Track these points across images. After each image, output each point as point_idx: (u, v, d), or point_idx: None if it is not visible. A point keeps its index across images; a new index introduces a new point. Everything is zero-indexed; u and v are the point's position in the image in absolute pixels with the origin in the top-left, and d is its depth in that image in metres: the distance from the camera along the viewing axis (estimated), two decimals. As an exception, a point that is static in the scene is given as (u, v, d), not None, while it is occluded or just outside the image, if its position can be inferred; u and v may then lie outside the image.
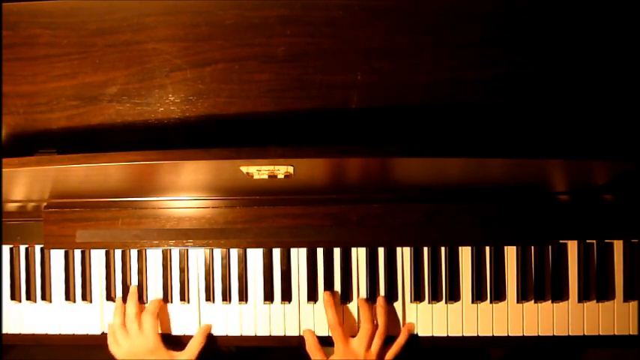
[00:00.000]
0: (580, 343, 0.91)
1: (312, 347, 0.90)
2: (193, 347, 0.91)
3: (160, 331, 0.92)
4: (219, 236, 0.91)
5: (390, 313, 0.92)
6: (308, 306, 0.93)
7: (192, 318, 0.95)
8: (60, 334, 0.97)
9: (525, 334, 0.91)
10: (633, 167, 0.69)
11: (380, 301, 0.91)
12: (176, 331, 0.95)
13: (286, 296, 0.93)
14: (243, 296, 0.94)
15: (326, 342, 0.92)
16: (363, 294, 0.93)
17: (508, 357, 1.17)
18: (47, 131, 0.79)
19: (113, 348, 0.92)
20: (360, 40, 0.74)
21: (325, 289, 0.93)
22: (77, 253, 0.97)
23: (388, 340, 0.90)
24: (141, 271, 0.95)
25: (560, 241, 0.92)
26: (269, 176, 0.72)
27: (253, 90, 0.76)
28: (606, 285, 0.92)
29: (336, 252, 0.93)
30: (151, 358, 0.89)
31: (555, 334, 0.91)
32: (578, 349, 1.12)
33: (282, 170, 0.70)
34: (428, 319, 0.92)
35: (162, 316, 0.95)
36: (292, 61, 0.75)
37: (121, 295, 0.95)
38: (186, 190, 0.88)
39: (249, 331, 0.94)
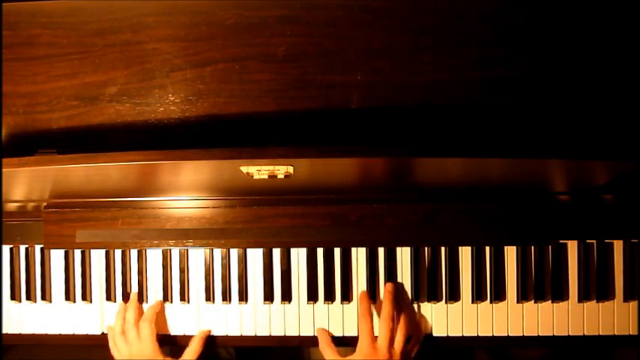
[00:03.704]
0: (580, 343, 0.91)
1: (325, 346, 0.89)
2: (192, 352, 0.90)
3: (158, 334, 0.92)
4: (219, 236, 0.91)
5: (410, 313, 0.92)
6: (308, 306, 0.93)
7: (192, 318, 0.95)
8: (60, 334, 0.97)
9: (525, 334, 0.91)
10: (633, 167, 0.68)
11: (405, 299, 0.90)
12: (176, 331, 0.95)
13: (286, 296, 0.93)
14: (243, 296, 0.94)
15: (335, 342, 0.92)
16: (363, 294, 0.93)
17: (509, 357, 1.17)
18: (47, 131, 0.79)
19: (114, 353, 0.92)
20: (360, 40, 0.74)
21: (325, 289, 0.93)
22: (77, 253, 0.97)
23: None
24: (141, 271, 0.95)
25: (560, 241, 0.92)
26: (269, 176, 0.72)
27: (253, 90, 0.76)
28: (606, 285, 0.92)
29: (336, 252, 0.93)
30: None
31: (555, 334, 0.91)
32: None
33: (282, 170, 0.70)
34: (428, 319, 0.92)
35: (163, 317, 0.95)
36: (292, 61, 0.75)
37: (121, 297, 0.95)
38: (186, 190, 0.88)
39: (249, 331, 0.94)
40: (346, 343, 0.92)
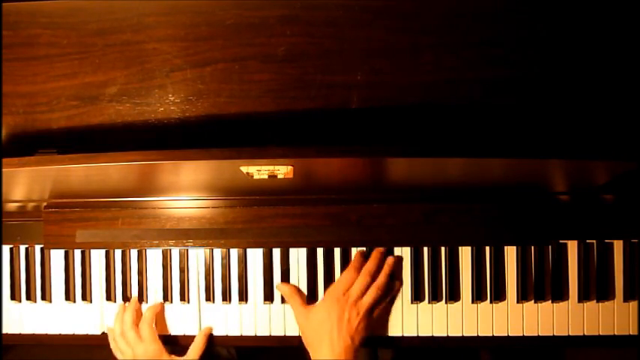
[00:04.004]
0: (580, 343, 0.91)
1: (290, 296, 0.90)
2: (195, 351, 0.90)
3: (159, 333, 0.92)
4: (219, 236, 0.91)
5: (389, 312, 0.91)
6: (308, 306, 0.93)
7: (192, 318, 0.95)
8: (60, 334, 0.97)
9: (525, 334, 0.91)
10: (633, 167, 0.68)
11: (390, 259, 0.90)
12: (176, 331, 0.95)
13: (286, 296, 0.93)
14: (243, 296, 0.94)
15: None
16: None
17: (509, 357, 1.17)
18: (47, 131, 0.79)
19: (117, 354, 0.92)
20: (360, 40, 0.74)
21: (325, 289, 0.92)
22: (77, 253, 0.97)
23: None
24: (141, 271, 0.95)
25: (560, 241, 0.92)
26: (269, 176, 0.72)
27: (253, 90, 0.76)
28: (606, 285, 0.92)
29: (336, 252, 0.93)
30: None
31: (555, 334, 0.91)
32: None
33: (282, 170, 0.70)
34: (428, 319, 0.92)
35: (162, 317, 0.95)
36: (292, 61, 0.75)
37: (121, 297, 0.95)
38: (186, 190, 0.88)
39: (249, 331, 0.94)
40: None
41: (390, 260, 0.90)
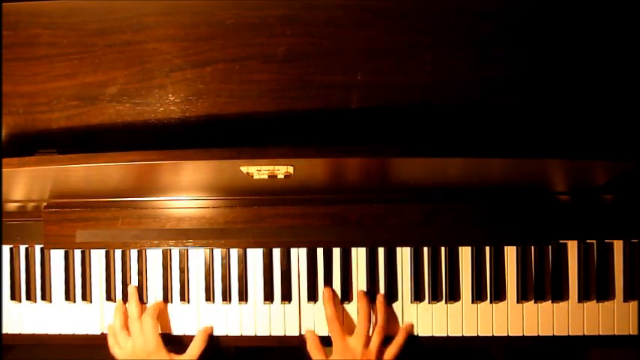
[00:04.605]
0: (580, 343, 0.91)
1: (312, 347, 0.90)
2: (194, 349, 0.91)
3: (160, 332, 0.92)
4: (219, 236, 0.91)
5: (390, 314, 0.92)
6: (308, 306, 0.93)
7: (192, 318, 0.95)
8: (60, 334, 0.97)
9: (525, 334, 0.91)
10: (633, 167, 0.68)
11: (379, 298, 0.91)
12: (176, 331, 0.95)
13: (286, 296, 0.93)
14: (243, 296, 0.94)
15: (327, 342, 0.92)
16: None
17: (508, 357, 1.17)
18: (47, 131, 0.79)
19: (115, 350, 0.92)
20: (360, 40, 0.74)
21: (325, 289, 0.92)
22: (77, 253, 0.97)
23: (387, 341, 0.90)
24: (141, 271, 0.95)
25: (560, 241, 0.92)
26: (269, 176, 0.72)
27: (253, 90, 0.76)
28: (606, 285, 0.92)
29: (336, 252, 0.93)
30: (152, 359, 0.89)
31: (555, 334, 0.91)
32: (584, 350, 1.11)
33: (282, 170, 0.70)
34: (428, 319, 0.92)
35: (162, 316, 0.95)
36: (292, 61, 0.75)
37: (121, 295, 0.95)
38: (186, 190, 0.88)
39: (249, 331, 0.94)
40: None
41: (380, 300, 0.91)
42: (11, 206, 0.97)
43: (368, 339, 0.87)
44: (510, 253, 0.92)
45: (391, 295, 0.93)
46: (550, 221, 0.89)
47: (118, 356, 0.92)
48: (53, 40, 0.75)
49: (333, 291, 0.93)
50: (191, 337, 0.93)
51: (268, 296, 0.93)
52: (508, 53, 0.74)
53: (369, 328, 0.88)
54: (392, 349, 0.89)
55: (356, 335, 0.88)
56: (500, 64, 0.74)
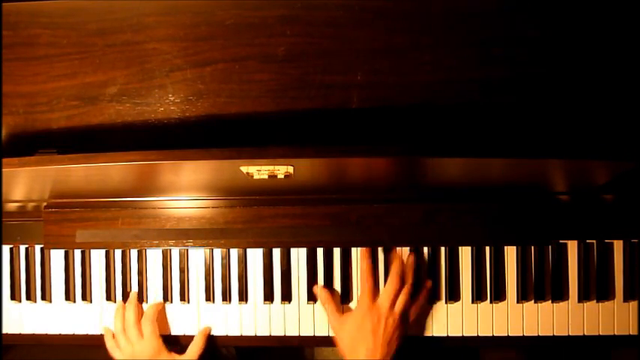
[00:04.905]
0: (580, 343, 0.91)
1: (326, 302, 0.89)
2: (194, 349, 0.91)
3: (160, 333, 0.92)
4: (219, 236, 0.91)
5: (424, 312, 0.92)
6: (308, 306, 0.93)
7: (192, 318, 0.95)
8: (60, 334, 0.97)
9: (525, 334, 0.91)
10: (633, 167, 0.68)
11: (410, 259, 0.90)
12: (176, 331, 0.95)
13: (286, 296, 0.93)
14: (243, 296, 0.94)
15: (327, 342, 0.92)
16: (363, 294, 0.93)
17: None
18: (47, 131, 0.79)
19: (115, 353, 0.92)
20: (360, 40, 0.74)
21: (325, 289, 0.92)
22: (77, 253, 0.97)
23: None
24: (141, 271, 0.95)
25: (560, 241, 0.92)
26: (269, 176, 0.72)
27: (253, 90, 0.76)
28: (606, 285, 0.92)
29: (336, 252, 0.93)
30: None
31: (555, 334, 0.91)
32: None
33: (282, 170, 0.70)
34: (428, 319, 0.92)
35: (162, 317, 0.95)
36: (292, 61, 0.75)
37: (121, 297, 0.95)
38: (186, 190, 0.88)
39: (249, 331, 0.94)
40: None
41: (410, 261, 0.90)
42: (11, 206, 0.97)
43: (395, 299, 0.86)
44: (510, 253, 0.92)
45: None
46: (550, 221, 0.89)
47: (118, 358, 0.91)
48: (53, 40, 0.75)
49: (334, 291, 0.92)
50: (191, 337, 0.93)
51: (268, 296, 0.93)
52: (508, 53, 0.74)
53: (399, 288, 0.87)
54: (416, 309, 0.89)
55: (385, 293, 0.86)
56: (500, 64, 0.74)
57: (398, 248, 0.92)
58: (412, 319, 0.88)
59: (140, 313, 0.93)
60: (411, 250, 0.92)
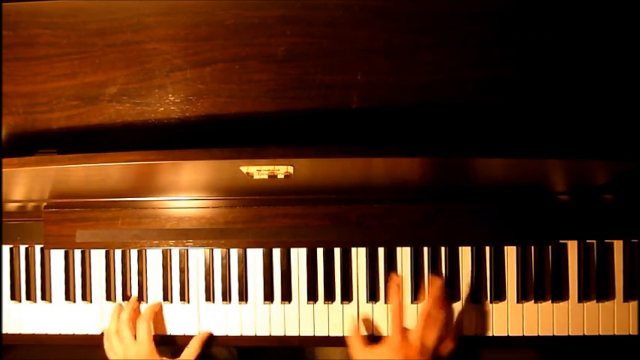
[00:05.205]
0: (580, 343, 0.91)
1: (353, 336, 0.87)
2: (189, 354, 0.90)
3: (157, 334, 0.92)
4: (219, 236, 0.91)
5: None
6: (308, 306, 0.93)
7: (192, 318, 0.95)
8: (60, 334, 0.97)
9: (525, 334, 0.91)
10: (633, 167, 0.68)
11: (434, 290, 0.87)
12: (176, 331, 0.95)
13: (286, 296, 0.93)
14: (243, 296, 0.94)
15: (327, 342, 0.92)
16: (363, 294, 0.93)
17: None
18: (47, 131, 0.79)
19: (110, 354, 0.92)
20: (360, 40, 0.74)
21: (325, 289, 0.92)
22: (77, 253, 0.97)
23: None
24: (141, 271, 0.95)
25: (560, 241, 0.92)
26: (269, 176, 0.72)
27: (253, 90, 0.76)
28: (606, 285, 0.92)
29: (336, 252, 0.93)
30: None
31: (555, 334, 0.91)
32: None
33: (282, 170, 0.70)
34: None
35: (162, 317, 0.95)
36: (292, 61, 0.75)
37: (121, 297, 0.95)
38: (186, 190, 0.88)
39: (249, 331, 0.94)
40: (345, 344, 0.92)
41: (435, 292, 0.87)
42: (11, 206, 0.97)
43: (425, 339, 0.83)
44: (510, 253, 0.92)
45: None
46: (550, 221, 0.89)
47: (111, 358, 0.91)
48: (53, 40, 0.75)
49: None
50: (191, 337, 0.93)
51: (268, 296, 0.93)
52: (508, 53, 0.74)
53: (429, 326, 0.84)
54: (446, 347, 0.86)
55: (416, 333, 0.83)
56: (500, 64, 0.74)
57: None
58: (446, 355, 0.85)
59: (136, 315, 0.93)
60: (433, 273, 0.91)
